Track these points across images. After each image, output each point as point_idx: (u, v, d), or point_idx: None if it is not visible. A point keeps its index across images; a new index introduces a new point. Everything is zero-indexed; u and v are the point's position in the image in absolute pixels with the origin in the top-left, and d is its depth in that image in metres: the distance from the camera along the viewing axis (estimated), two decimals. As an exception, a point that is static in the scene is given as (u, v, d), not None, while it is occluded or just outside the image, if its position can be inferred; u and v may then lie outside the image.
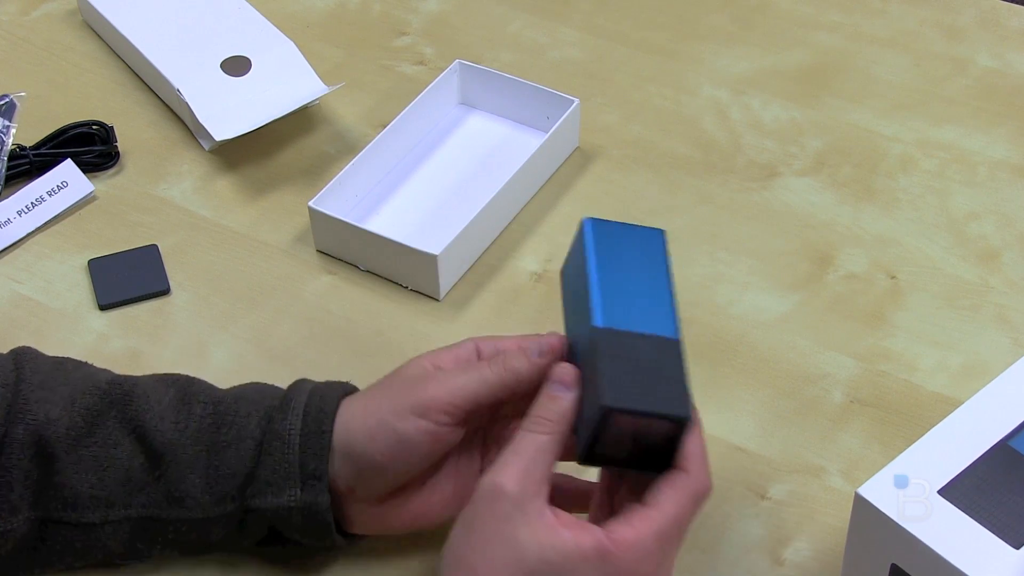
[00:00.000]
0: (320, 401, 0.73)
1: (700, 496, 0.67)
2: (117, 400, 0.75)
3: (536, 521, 0.64)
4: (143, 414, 0.74)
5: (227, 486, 0.73)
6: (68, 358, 0.79)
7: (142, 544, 0.75)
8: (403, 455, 0.71)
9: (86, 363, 0.79)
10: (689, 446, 0.67)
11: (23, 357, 0.77)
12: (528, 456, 0.66)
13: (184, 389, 0.76)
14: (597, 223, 0.73)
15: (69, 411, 0.74)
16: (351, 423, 0.72)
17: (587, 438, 0.67)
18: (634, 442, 0.67)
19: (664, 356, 0.67)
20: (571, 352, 0.71)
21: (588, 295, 0.69)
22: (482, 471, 0.73)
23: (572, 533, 0.64)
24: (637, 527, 0.65)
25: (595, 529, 0.64)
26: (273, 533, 0.75)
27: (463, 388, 0.70)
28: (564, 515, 0.65)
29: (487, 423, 0.76)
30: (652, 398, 0.66)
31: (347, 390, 0.75)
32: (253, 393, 0.76)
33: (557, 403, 0.67)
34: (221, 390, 0.77)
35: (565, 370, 0.69)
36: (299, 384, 0.75)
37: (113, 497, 0.74)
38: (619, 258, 0.71)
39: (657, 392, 0.66)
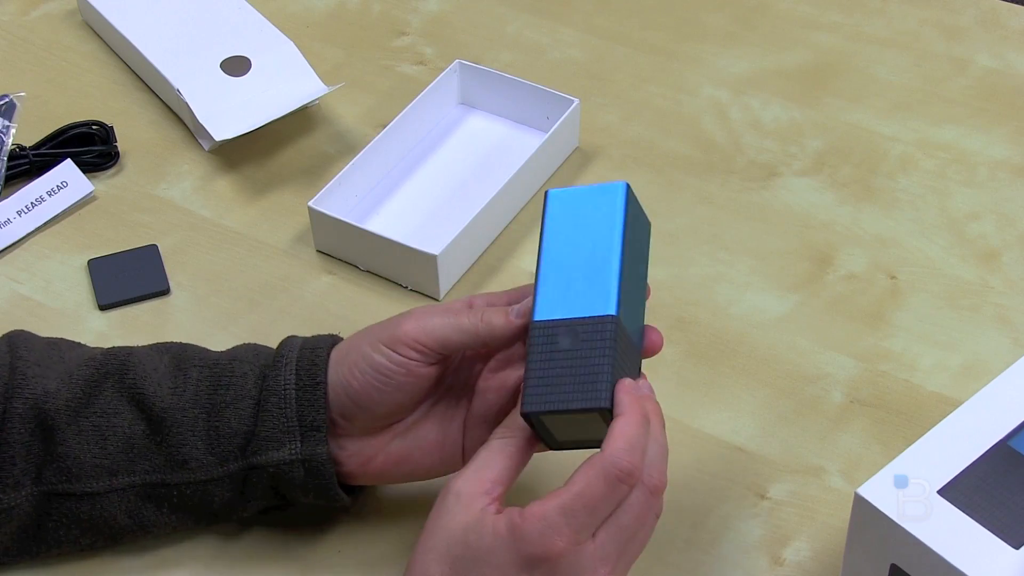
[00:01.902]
0: (311, 354, 0.75)
1: (612, 475, 0.65)
2: (113, 370, 0.76)
3: (476, 512, 0.65)
4: (141, 381, 0.75)
5: (229, 445, 0.74)
6: (62, 339, 0.80)
7: (147, 512, 0.75)
8: (377, 383, 0.72)
9: (80, 343, 0.80)
10: (615, 427, 0.66)
11: (17, 339, 0.78)
12: (481, 458, 0.67)
13: (178, 355, 0.77)
14: (555, 197, 0.73)
15: (67, 383, 0.75)
16: (336, 361, 0.74)
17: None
18: (573, 429, 0.68)
19: (593, 341, 0.68)
20: None
21: (536, 282, 0.71)
22: (466, 424, 0.75)
23: (495, 518, 0.65)
24: (543, 502, 0.65)
25: (513, 509, 0.65)
26: (276, 498, 0.76)
27: (435, 328, 0.72)
28: (511, 509, 0.65)
29: (475, 378, 0.76)
30: (569, 394, 0.67)
31: (335, 341, 0.76)
32: (246, 353, 0.77)
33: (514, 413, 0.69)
34: (215, 352, 0.78)
35: None
36: (289, 341, 0.77)
37: (116, 465, 0.74)
38: (571, 232, 0.72)
39: (576, 386, 0.67)
